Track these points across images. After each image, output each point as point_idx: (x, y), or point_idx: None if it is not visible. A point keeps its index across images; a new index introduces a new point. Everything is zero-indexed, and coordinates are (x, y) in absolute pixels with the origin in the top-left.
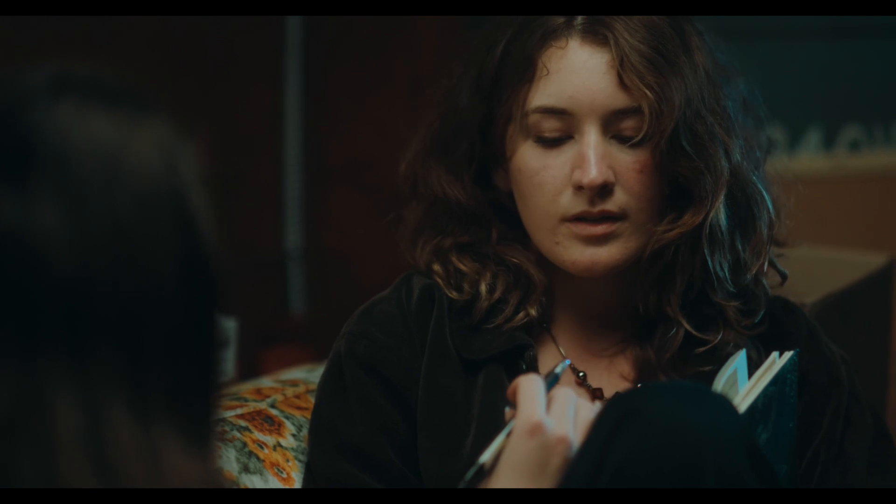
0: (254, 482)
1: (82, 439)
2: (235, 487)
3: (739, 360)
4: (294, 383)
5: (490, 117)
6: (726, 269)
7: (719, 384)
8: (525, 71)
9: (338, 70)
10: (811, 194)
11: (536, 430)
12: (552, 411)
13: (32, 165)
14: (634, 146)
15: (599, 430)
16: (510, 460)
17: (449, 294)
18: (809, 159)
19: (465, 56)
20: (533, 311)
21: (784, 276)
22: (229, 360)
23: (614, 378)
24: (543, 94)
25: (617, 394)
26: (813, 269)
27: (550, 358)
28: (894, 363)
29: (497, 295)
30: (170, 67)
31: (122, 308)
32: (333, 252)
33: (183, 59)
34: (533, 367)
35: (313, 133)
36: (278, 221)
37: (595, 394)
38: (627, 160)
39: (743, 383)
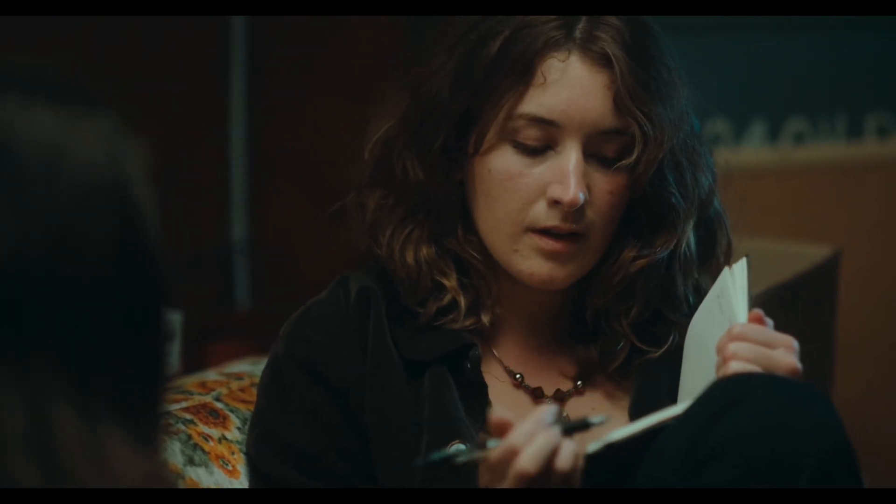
0: (199, 474)
1: (27, 435)
2: (180, 484)
3: (728, 273)
4: (239, 376)
5: (470, 113)
6: (690, 293)
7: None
8: (522, 76)
9: (281, 65)
10: (756, 187)
11: (521, 477)
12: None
13: None
14: (609, 167)
15: (703, 407)
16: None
17: (404, 298)
18: (754, 152)
19: (444, 46)
20: (486, 320)
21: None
22: (174, 354)
23: (554, 376)
24: (536, 103)
25: (725, 377)
26: (758, 261)
27: (487, 360)
28: (839, 355)
29: (455, 296)
30: (114, 62)
31: (63, 301)
32: (277, 246)
33: (128, 53)
34: (477, 367)
35: (257, 127)
36: (222, 215)
37: (535, 393)
38: (601, 181)
39: (736, 297)
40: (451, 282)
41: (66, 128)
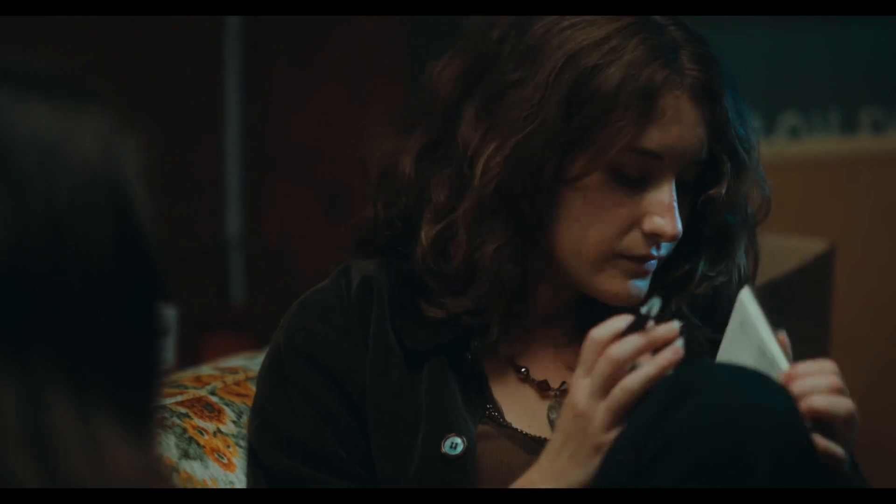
0: (194, 468)
1: (23, 430)
2: (175, 478)
3: (744, 302)
4: (234, 371)
5: (578, 141)
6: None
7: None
8: (643, 112)
9: (278, 60)
10: None
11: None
12: (588, 381)
13: None
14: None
15: (651, 404)
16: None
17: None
18: None
19: (542, 62)
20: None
21: None
22: (169, 348)
23: (560, 369)
24: (652, 139)
25: (679, 368)
26: None
27: (488, 351)
28: (833, 350)
29: (492, 316)
30: (109, 57)
31: (59, 296)
32: (273, 241)
33: (123, 48)
34: (479, 358)
35: (254, 123)
36: (218, 210)
37: (541, 386)
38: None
39: (758, 325)
40: (496, 309)
41: (63, 124)
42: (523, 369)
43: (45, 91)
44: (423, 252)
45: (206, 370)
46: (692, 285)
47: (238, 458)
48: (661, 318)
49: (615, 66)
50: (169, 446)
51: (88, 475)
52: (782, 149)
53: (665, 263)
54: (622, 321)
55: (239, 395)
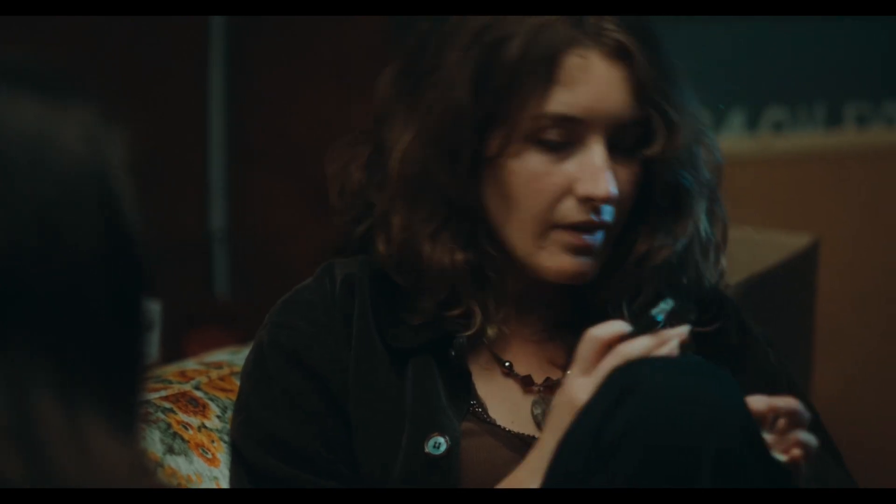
0: (178, 463)
1: (9, 425)
2: (159, 473)
3: None
4: (218, 365)
5: (492, 117)
6: (715, 275)
7: None
8: (546, 76)
9: (262, 54)
10: (735, 175)
11: (561, 394)
12: (590, 377)
13: None
14: (630, 158)
15: (602, 398)
16: (549, 413)
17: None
18: (733, 140)
19: (452, 49)
20: (491, 333)
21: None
22: (153, 343)
23: (544, 364)
24: (562, 102)
25: (622, 365)
26: (736, 250)
27: (473, 347)
28: (818, 344)
29: (471, 307)
30: (94, 52)
31: (44, 291)
32: (258, 235)
33: (107, 42)
34: (462, 355)
35: (238, 116)
36: (203, 203)
37: (525, 381)
38: (623, 172)
39: None
40: (468, 296)
41: (49, 118)
42: (507, 363)
43: (31, 85)
44: (379, 253)
45: (190, 365)
46: (657, 257)
47: (222, 454)
48: (671, 321)
49: (519, 35)
50: (154, 441)
51: (74, 468)
52: (767, 143)
53: (624, 238)
54: (624, 325)
55: (223, 390)
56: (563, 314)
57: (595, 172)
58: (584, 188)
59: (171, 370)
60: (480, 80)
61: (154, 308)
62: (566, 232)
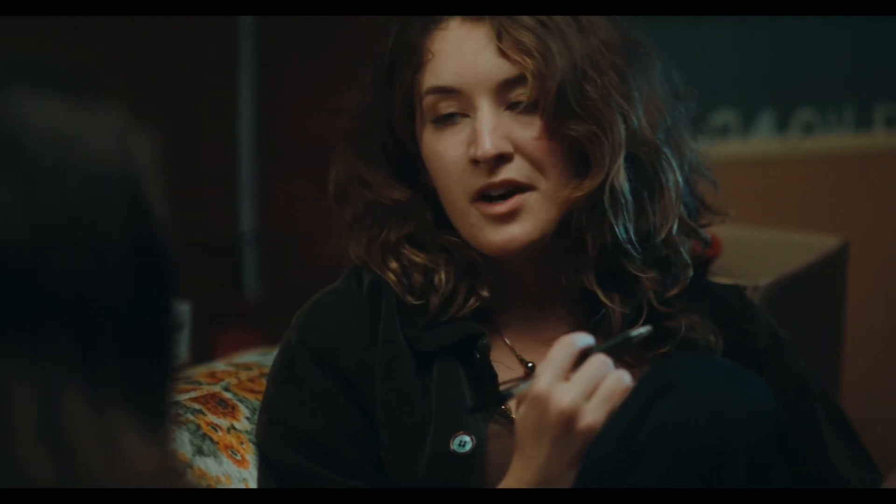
0: (207, 464)
1: (39, 424)
2: (189, 474)
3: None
4: (248, 367)
5: (393, 111)
6: (632, 233)
7: None
8: (413, 58)
9: (291, 55)
10: (764, 177)
11: (537, 400)
12: (572, 381)
13: None
14: (529, 114)
15: (635, 400)
16: (518, 421)
17: (403, 298)
18: (762, 142)
19: (367, 58)
20: (484, 293)
21: (706, 243)
22: (183, 344)
23: None
24: (432, 75)
25: (663, 362)
26: (766, 252)
27: (497, 349)
28: (847, 346)
29: (450, 286)
30: (123, 53)
31: (74, 291)
32: (287, 235)
33: (137, 44)
34: (486, 356)
35: (266, 117)
36: (232, 204)
37: None
38: (523, 130)
39: None
40: (440, 274)
41: (77, 119)
42: (530, 364)
43: (60, 86)
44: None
45: (220, 366)
46: (622, 209)
47: (251, 455)
48: (645, 345)
49: (392, 32)
50: (183, 442)
51: (103, 468)
52: (796, 145)
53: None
54: (590, 338)
55: (253, 391)
56: (575, 309)
57: (476, 135)
58: (471, 151)
59: (200, 371)
60: (375, 79)
61: (183, 308)
62: (482, 204)
